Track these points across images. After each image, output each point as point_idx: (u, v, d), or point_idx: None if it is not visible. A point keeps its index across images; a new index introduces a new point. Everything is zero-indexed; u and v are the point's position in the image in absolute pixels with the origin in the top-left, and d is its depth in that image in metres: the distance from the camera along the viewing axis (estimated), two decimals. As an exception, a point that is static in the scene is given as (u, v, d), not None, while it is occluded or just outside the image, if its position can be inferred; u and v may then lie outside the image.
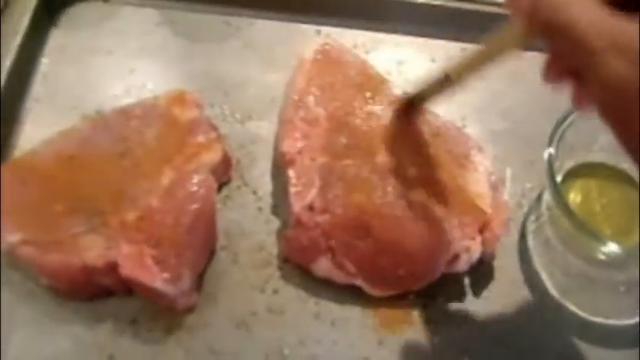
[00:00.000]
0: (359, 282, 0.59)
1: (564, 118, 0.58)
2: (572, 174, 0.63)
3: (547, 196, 0.60)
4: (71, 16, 0.76)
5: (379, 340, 0.59)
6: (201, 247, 0.60)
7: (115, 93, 0.70)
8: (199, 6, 0.77)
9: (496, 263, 0.62)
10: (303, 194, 0.59)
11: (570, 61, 0.41)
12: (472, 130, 0.68)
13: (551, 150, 0.57)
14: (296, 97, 0.64)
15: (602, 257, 0.59)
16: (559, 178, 0.60)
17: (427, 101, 0.62)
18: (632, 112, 0.37)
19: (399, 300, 0.60)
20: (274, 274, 0.61)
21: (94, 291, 0.58)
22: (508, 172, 0.67)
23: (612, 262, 0.60)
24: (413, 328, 0.59)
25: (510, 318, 0.60)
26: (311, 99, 0.64)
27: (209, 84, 0.71)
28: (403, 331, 0.59)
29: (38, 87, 0.71)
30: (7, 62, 0.68)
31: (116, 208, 0.58)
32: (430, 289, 0.60)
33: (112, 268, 0.55)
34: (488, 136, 0.69)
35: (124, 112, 0.64)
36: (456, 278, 0.61)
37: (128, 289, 0.58)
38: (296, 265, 0.61)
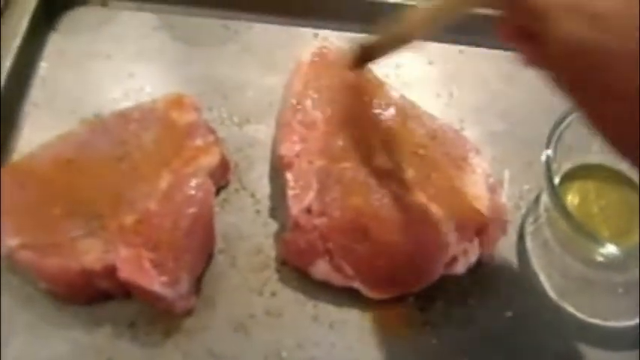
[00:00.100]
0: (357, 284, 0.59)
1: (562, 120, 0.59)
2: (570, 176, 0.63)
3: (545, 198, 0.60)
4: (70, 20, 0.76)
5: (378, 343, 0.59)
6: (200, 250, 0.60)
7: (114, 97, 0.70)
8: (197, 10, 0.77)
9: (494, 265, 0.62)
10: (300, 197, 0.59)
11: (523, 23, 0.42)
12: (470, 132, 0.68)
13: (549, 152, 0.57)
14: (293, 101, 0.64)
15: (601, 259, 0.59)
16: (557, 180, 0.59)
17: (381, 55, 0.59)
18: (586, 72, 0.38)
19: (397, 302, 0.60)
20: (272, 277, 0.61)
21: (93, 294, 0.58)
22: (506, 174, 0.67)
23: (610, 264, 0.60)
24: (411, 330, 0.59)
25: (509, 320, 0.60)
26: (308, 102, 0.64)
27: (207, 88, 0.71)
28: (402, 334, 0.59)
29: (37, 91, 0.71)
30: (6, 66, 0.68)
31: (114, 211, 0.58)
32: (428, 291, 0.60)
33: (111, 271, 0.55)
34: (486, 138, 0.69)
35: (123, 116, 0.64)
36: (455, 280, 0.60)
37: (126, 292, 0.58)
38: (294, 268, 0.61)
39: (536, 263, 0.63)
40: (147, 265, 0.55)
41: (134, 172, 0.60)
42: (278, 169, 0.64)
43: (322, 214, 0.59)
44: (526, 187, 0.67)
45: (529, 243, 0.64)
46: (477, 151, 0.64)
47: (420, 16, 0.53)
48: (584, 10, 0.37)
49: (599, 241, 0.56)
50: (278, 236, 0.63)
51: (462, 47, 0.74)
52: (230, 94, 0.71)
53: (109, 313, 0.59)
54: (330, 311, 0.60)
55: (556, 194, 0.57)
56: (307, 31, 0.76)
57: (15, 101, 0.69)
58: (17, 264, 0.58)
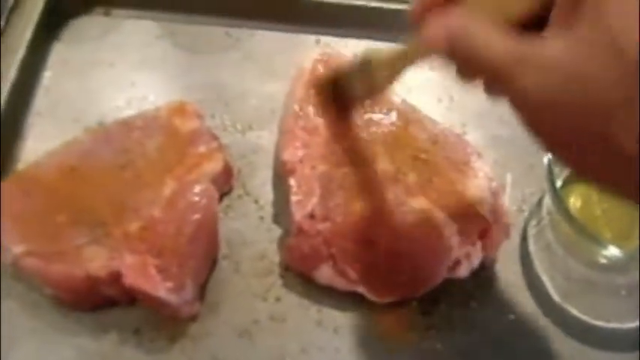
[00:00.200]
0: (361, 289, 0.59)
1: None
2: (572, 179, 0.63)
3: (547, 201, 0.60)
4: (73, 29, 0.77)
5: (381, 347, 0.59)
6: (204, 256, 0.60)
7: (117, 105, 0.71)
8: (199, 18, 0.77)
9: (497, 268, 0.63)
10: (304, 203, 0.60)
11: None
12: (472, 136, 0.69)
13: (551, 155, 0.58)
14: (296, 107, 0.64)
15: (603, 261, 0.59)
16: (559, 183, 0.60)
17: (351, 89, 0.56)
18: (549, 120, 0.36)
19: (401, 306, 0.60)
20: (276, 283, 0.61)
21: (98, 301, 0.58)
22: (508, 178, 0.67)
23: (613, 266, 0.60)
24: (415, 334, 0.60)
25: (512, 322, 0.60)
26: (310, 108, 0.64)
27: (210, 95, 0.71)
28: (406, 338, 0.59)
29: (41, 100, 0.71)
30: (10, 76, 0.69)
31: (119, 218, 0.58)
32: (432, 295, 0.60)
33: (116, 278, 0.56)
34: (488, 142, 0.69)
35: (126, 124, 0.64)
36: (458, 284, 0.61)
37: (131, 299, 0.58)
38: (298, 273, 0.61)
39: (539, 266, 0.63)
40: (152, 271, 0.55)
41: (138, 180, 0.61)
42: (281, 175, 0.64)
43: (325, 219, 0.59)
44: (528, 190, 0.67)
45: (532, 246, 0.64)
46: (479, 155, 0.64)
47: (386, 58, 0.52)
48: (535, 61, 0.36)
49: (601, 244, 0.56)
50: (282, 242, 0.63)
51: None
52: (232, 101, 0.71)
53: (114, 319, 0.59)
54: (334, 316, 0.60)
55: (558, 197, 0.57)
56: (309, 38, 0.76)
57: (19, 110, 0.70)
58: (23, 271, 0.58)
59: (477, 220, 0.60)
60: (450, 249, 0.58)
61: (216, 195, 0.62)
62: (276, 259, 0.62)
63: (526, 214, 0.66)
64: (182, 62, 0.75)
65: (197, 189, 0.60)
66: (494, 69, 0.37)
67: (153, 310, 0.58)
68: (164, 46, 0.76)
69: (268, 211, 0.65)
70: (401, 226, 0.59)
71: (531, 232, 0.65)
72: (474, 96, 0.71)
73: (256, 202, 0.65)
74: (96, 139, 0.63)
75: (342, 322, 0.60)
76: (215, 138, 0.65)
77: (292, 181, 0.61)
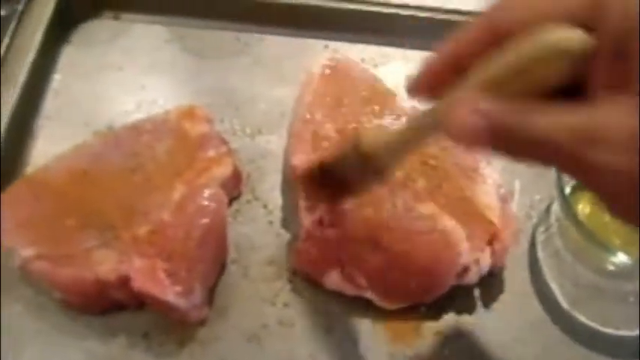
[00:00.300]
0: (369, 295, 0.59)
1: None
2: (580, 185, 0.62)
3: (556, 208, 0.60)
4: (83, 33, 0.77)
5: (390, 353, 0.59)
6: (212, 260, 0.60)
7: (126, 109, 0.71)
8: (209, 23, 0.78)
9: (506, 275, 0.63)
10: (313, 208, 0.60)
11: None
12: (481, 143, 0.68)
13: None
14: (305, 112, 0.65)
15: (612, 268, 0.59)
16: (568, 190, 0.60)
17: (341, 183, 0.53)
18: (631, 194, 0.34)
19: (409, 312, 0.60)
20: (285, 288, 0.61)
21: (106, 305, 0.58)
22: (517, 184, 0.67)
23: (621, 273, 0.60)
24: (424, 340, 0.59)
25: (520, 329, 0.60)
26: (320, 113, 0.64)
27: (219, 99, 0.72)
28: (414, 344, 0.59)
29: (50, 103, 0.72)
30: (20, 79, 0.69)
31: (128, 222, 0.58)
32: (440, 301, 0.60)
33: (125, 282, 0.56)
34: (496, 149, 0.69)
35: (135, 128, 0.64)
36: (466, 290, 0.61)
37: (140, 303, 0.58)
38: (306, 279, 0.61)
39: (548, 272, 0.63)
40: (161, 275, 0.55)
41: (147, 184, 0.61)
42: (290, 180, 0.64)
43: (334, 224, 0.59)
44: (537, 196, 0.67)
45: (540, 252, 0.64)
46: (488, 162, 0.64)
47: (385, 140, 0.47)
48: (604, 137, 0.33)
49: (610, 250, 0.56)
50: (290, 247, 0.63)
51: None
52: (241, 106, 0.72)
53: (123, 323, 0.59)
54: (342, 321, 0.60)
55: (567, 203, 0.57)
56: (318, 43, 0.77)
57: (28, 114, 0.70)
58: (32, 274, 0.58)
59: (486, 227, 0.60)
60: (458, 255, 0.58)
61: (226, 199, 0.62)
62: (285, 264, 0.62)
63: (534, 220, 0.66)
64: (191, 66, 0.75)
65: (206, 193, 0.60)
66: (561, 152, 0.34)
67: (162, 314, 0.58)
68: (173, 51, 0.76)
69: (277, 215, 0.65)
70: (409, 232, 0.59)
71: (540, 238, 0.65)
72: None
73: (265, 206, 0.66)
74: (105, 143, 0.63)
75: (350, 327, 0.60)
76: (224, 142, 0.65)
77: (301, 187, 0.61)
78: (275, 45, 0.76)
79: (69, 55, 0.75)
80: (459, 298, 0.61)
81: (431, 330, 0.60)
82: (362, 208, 0.59)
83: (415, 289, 0.59)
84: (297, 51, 0.76)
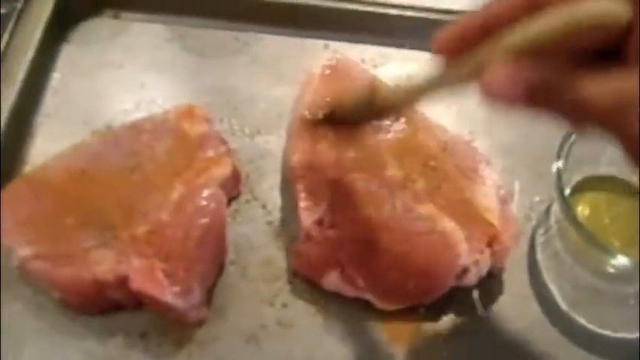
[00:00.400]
0: (368, 296, 0.59)
1: (572, 132, 0.59)
2: (580, 187, 0.63)
3: (556, 209, 0.60)
4: (82, 31, 0.77)
5: (389, 354, 0.59)
6: (211, 260, 0.60)
7: (125, 108, 0.71)
8: (208, 22, 0.77)
9: (505, 276, 0.62)
10: (312, 209, 0.59)
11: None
12: (480, 144, 0.68)
13: (560, 163, 0.57)
14: (304, 112, 0.64)
15: (612, 270, 0.59)
16: (567, 192, 0.59)
17: (350, 122, 0.54)
18: None
19: (408, 314, 0.60)
20: (284, 288, 0.61)
21: (105, 305, 0.58)
22: (516, 185, 0.67)
23: (621, 275, 0.60)
24: (423, 341, 0.59)
25: (520, 331, 0.60)
26: (319, 113, 0.64)
27: (218, 99, 0.71)
28: (413, 345, 0.59)
29: (49, 101, 0.71)
30: (19, 77, 0.69)
31: (127, 222, 0.58)
32: (440, 302, 0.59)
33: (123, 282, 0.56)
34: (496, 149, 0.69)
35: (134, 127, 0.64)
36: (466, 291, 0.61)
37: (138, 303, 0.58)
38: (305, 279, 0.61)
39: (547, 274, 0.63)
40: (159, 275, 0.55)
41: (146, 183, 0.61)
42: (289, 180, 0.64)
43: (333, 225, 0.59)
44: (536, 198, 0.67)
45: (540, 254, 0.64)
46: (488, 162, 0.64)
47: (404, 92, 0.48)
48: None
49: (610, 252, 0.56)
50: (289, 247, 0.63)
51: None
52: (241, 106, 0.71)
53: (121, 323, 0.59)
54: (341, 322, 0.60)
55: (567, 205, 0.57)
56: (317, 43, 0.76)
57: (28, 112, 0.70)
58: (30, 274, 0.58)
59: (485, 228, 0.60)
60: (458, 256, 0.58)
61: (225, 199, 0.62)
62: (284, 264, 0.62)
63: (534, 222, 0.66)
64: (191, 66, 0.75)
65: (205, 193, 0.60)
66: (601, 115, 0.35)
67: (160, 314, 0.58)
68: (173, 50, 0.76)
69: (276, 216, 0.65)
70: (409, 233, 0.59)
71: (539, 240, 0.64)
72: (483, 103, 0.71)
73: (264, 207, 0.65)
74: (105, 142, 0.63)
75: (349, 328, 0.60)
76: (223, 142, 0.65)
77: (300, 187, 0.61)
78: (274, 45, 0.76)
79: (68, 54, 0.75)
80: (458, 300, 0.61)
81: (430, 331, 0.60)
82: (362, 209, 0.59)
83: (414, 291, 0.59)
84: (297, 51, 0.76)
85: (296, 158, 0.62)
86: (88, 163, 0.61)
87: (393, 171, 0.61)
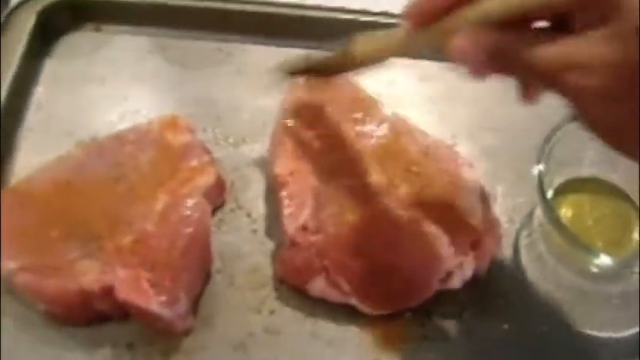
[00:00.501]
0: (354, 301, 0.59)
1: (553, 134, 0.59)
2: (563, 189, 0.63)
3: (539, 212, 0.60)
4: (65, 45, 0.77)
5: (377, 359, 0.59)
6: (197, 270, 0.60)
7: (110, 120, 0.71)
8: (191, 33, 0.78)
9: (490, 279, 0.63)
10: (296, 215, 0.60)
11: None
12: (463, 147, 0.69)
13: (541, 166, 0.58)
14: (287, 120, 0.65)
15: (595, 270, 0.59)
16: (550, 194, 0.60)
17: (325, 74, 0.60)
18: (608, 116, 0.40)
19: (395, 318, 0.60)
20: (270, 295, 0.61)
21: (91, 316, 0.58)
22: (499, 188, 0.68)
23: (605, 275, 0.61)
24: (410, 345, 0.59)
25: (505, 332, 0.60)
26: (302, 121, 0.64)
27: (202, 109, 0.72)
28: (400, 349, 0.59)
29: (33, 115, 0.71)
30: (2, 92, 0.69)
31: (112, 232, 0.58)
32: (425, 306, 0.60)
33: (108, 292, 0.55)
34: (478, 153, 0.69)
35: (118, 138, 0.64)
36: (451, 295, 0.61)
37: (124, 313, 0.58)
38: (292, 286, 0.61)
39: (531, 276, 0.63)
40: (145, 285, 0.55)
41: (130, 194, 0.61)
42: (273, 188, 0.64)
43: (318, 231, 0.59)
44: (519, 200, 0.67)
45: (524, 256, 0.64)
46: (470, 166, 0.64)
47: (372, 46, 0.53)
48: (579, 62, 0.39)
49: (593, 253, 0.56)
50: (275, 254, 0.63)
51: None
52: (224, 115, 0.72)
53: (108, 334, 0.59)
54: (328, 328, 0.60)
55: (549, 207, 0.57)
56: (300, 52, 0.76)
57: (12, 126, 0.70)
58: (16, 287, 0.58)
59: (469, 231, 0.60)
60: (442, 260, 0.58)
61: (209, 209, 0.62)
62: (270, 272, 0.62)
63: (517, 224, 0.66)
64: (174, 77, 0.75)
65: (189, 203, 0.60)
66: (547, 75, 0.40)
67: (146, 324, 0.58)
68: (156, 61, 0.76)
69: (261, 224, 0.65)
70: (393, 237, 0.59)
71: (523, 242, 0.65)
72: (464, 108, 0.72)
73: (249, 215, 0.66)
74: (89, 153, 0.63)
75: (336, 334, 0.60)
76: (207, 152, 0.65)
77: (284, 194, 0.61)
78: (257, 55, 0.77)
79: (51, 68, 0.75)
80: (443, 303, 0.61)
81: (417, 335, 0.60)
82: (345, 215, 0.59)
83: (399, 295, 0.59)
84: (280, 60, 0.76)
85: (279, 165, 0.62)
86: (72, 174, 0.62)
87: (376, 176, 0.62)
